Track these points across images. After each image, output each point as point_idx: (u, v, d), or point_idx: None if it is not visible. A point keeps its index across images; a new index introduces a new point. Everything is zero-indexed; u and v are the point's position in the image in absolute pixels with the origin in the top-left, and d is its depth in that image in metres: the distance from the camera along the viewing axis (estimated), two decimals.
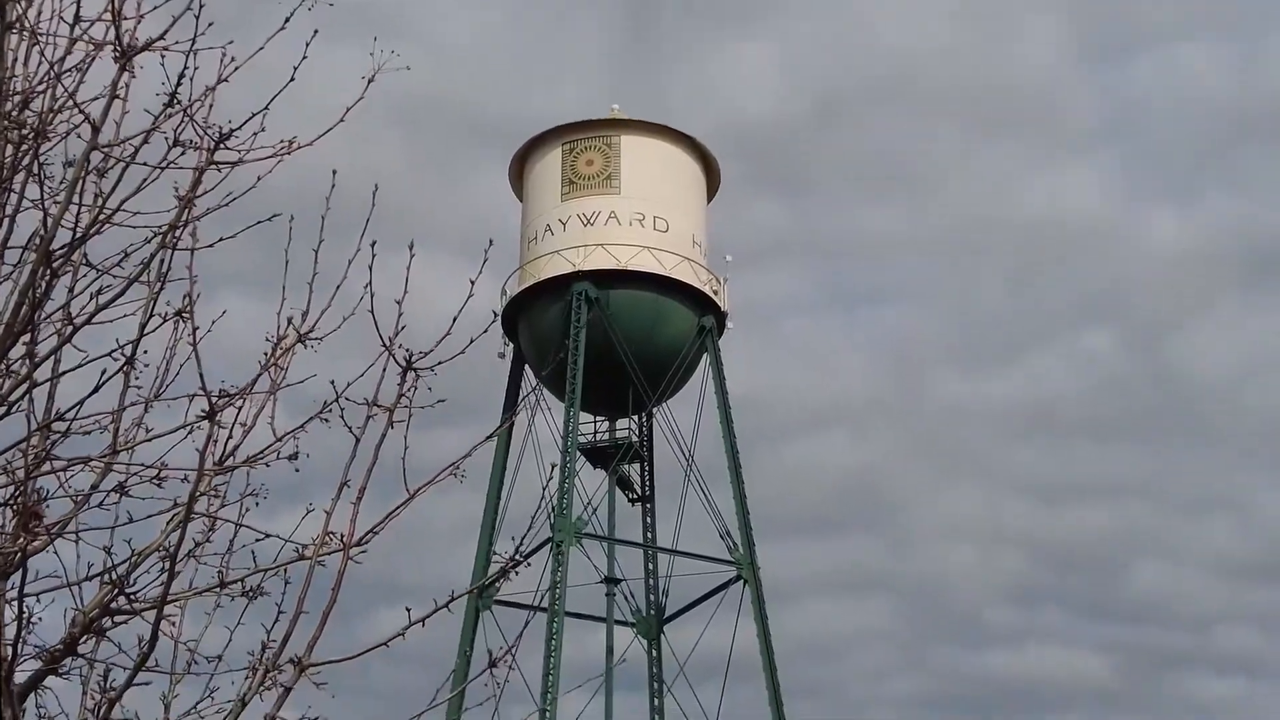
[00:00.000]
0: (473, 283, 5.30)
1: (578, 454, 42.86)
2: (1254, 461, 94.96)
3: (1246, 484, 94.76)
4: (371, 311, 5.11)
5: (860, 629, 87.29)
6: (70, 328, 5.29)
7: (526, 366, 44.47)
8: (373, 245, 5.19)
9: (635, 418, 44.99)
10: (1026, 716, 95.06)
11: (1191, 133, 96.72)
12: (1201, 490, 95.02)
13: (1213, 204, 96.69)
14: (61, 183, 5.34)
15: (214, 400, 4.85)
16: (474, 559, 43.17)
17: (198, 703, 5.75)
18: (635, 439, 44.85)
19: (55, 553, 5.34)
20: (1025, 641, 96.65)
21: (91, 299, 5.45)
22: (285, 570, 5.54)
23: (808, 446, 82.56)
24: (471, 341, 5.25)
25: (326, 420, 5.60)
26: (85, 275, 5.59)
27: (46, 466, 5.26)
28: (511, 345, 44.34)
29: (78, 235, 5.17)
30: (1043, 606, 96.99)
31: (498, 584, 41.95)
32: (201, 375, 4.85)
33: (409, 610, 5.06)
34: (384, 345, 5.14)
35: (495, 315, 5.55)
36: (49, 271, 5.16)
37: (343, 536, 5.11)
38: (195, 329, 4.95)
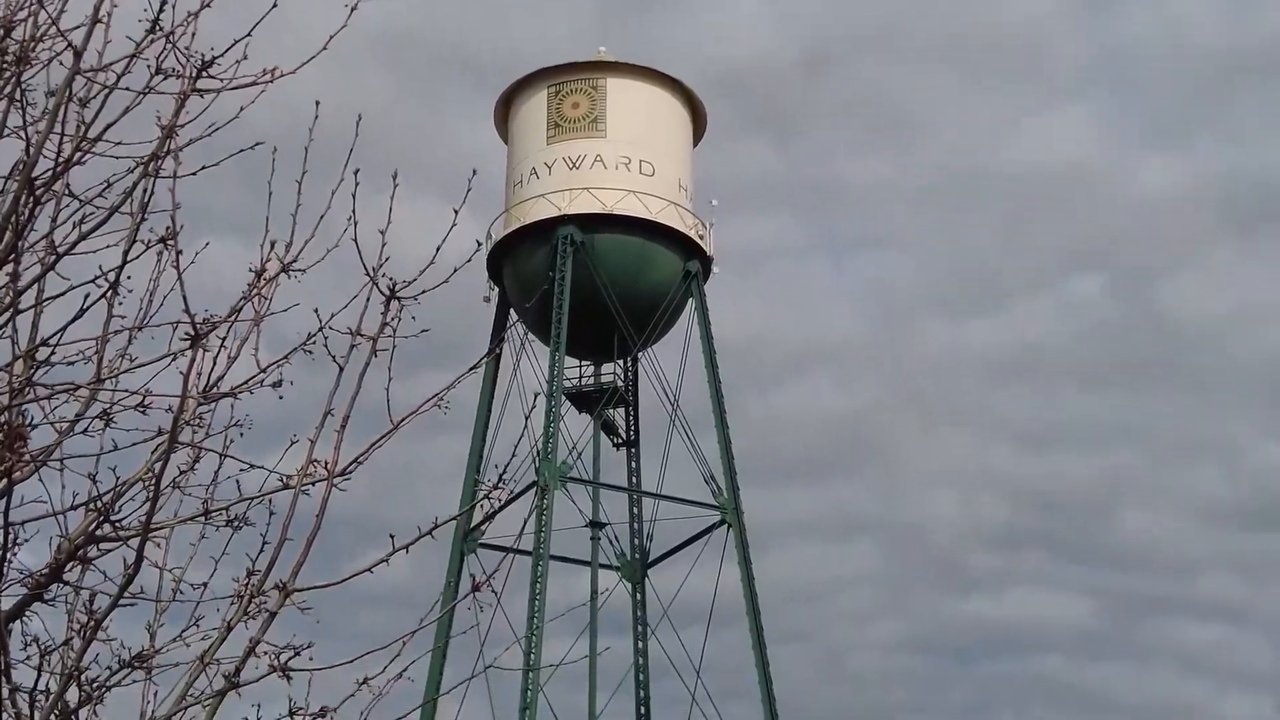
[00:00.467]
0: (456, 212, 5.30)
1: (563, 398, 42.95)
2: (1242, 409, 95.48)
3: (1234, 431, 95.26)
4: (355, 240, 5.12)
5: (844, 574, 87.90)
6: (54, 256, 5.29)
7: (512, 310, 44.46)
8: (355, 174, 5.19)
9: (620, 362, 45.06)
10: (1009, 660, 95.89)
11: (1182, 79, 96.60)
12: (1188, 437, 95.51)
13: (1203, 150, 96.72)
14: (44, 111, 5.33)
15: (198, 324, 4.86)
16: (459, 502, 43.34)
17: (183, 630, 5.80)
18: (620, 383, 44.94)
19: (41, 480, 5.37)
20: (1009, 586, 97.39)
21: (74, 228, 5.45)
22: (270, 501, 5.58)
23: (794, 392, 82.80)
24: (455, 271, 5.27)
25: (310, 352, 5.61)
26: (68, 205, 5.59)
27: (30, 395, 5.27)
28: (497, 289, 44.32)
29: (60, 163, 5.15)
30: (1027, 552, 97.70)
31: (482, 528, 42.17)
32: (185, 299, 4.86)
33: (393, 537, 5.10)
34: (367, 274, 5.15)
35: (478, 244, 5.55)
36: (32, 199, 5.15)
37: (327, 464, 5.13)
38: (179, 252, 4.96)
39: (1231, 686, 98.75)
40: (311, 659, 4.89)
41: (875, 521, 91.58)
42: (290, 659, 4.75)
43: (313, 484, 5.33)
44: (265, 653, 4.80)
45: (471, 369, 5.72)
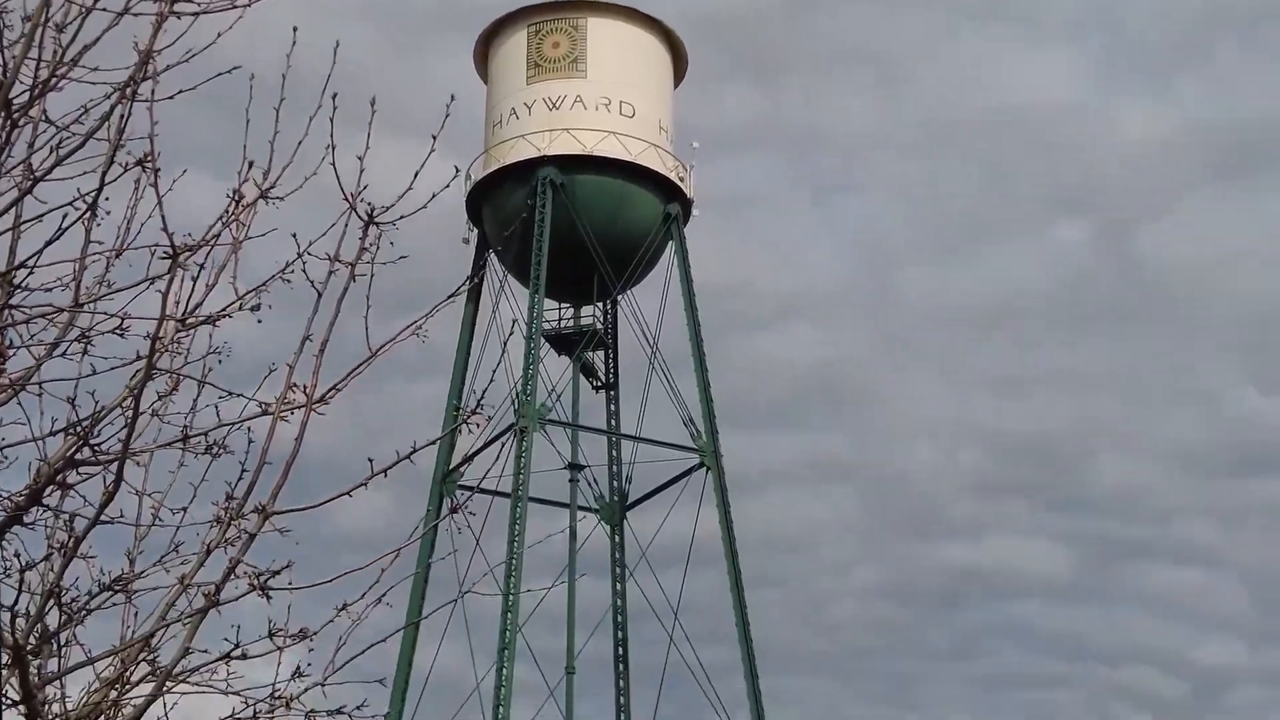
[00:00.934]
0: (434, 137, 5.30)
1: (542, 340, 42.96)
2: (1222, 356, 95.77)
3: (1214, 378, 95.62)
4: (333, 164, 5.12)
5: (823, 520, 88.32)
6: (31, 180, 5.28)
7: (491, 252, 44.37)
8: (334, 98, 5.18)
9: (600, 304, 45.06)
10: (987, 606, 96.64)
11: (1167, 23, 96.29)
12: (1168, 384, 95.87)
13: (1187, 96, 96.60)
14: (21, 35, 5.30)
15: (177, 245, 4.86)
16: (438, 444, 43.37)
17: (163, 556, 5.84)
18: (599, 326, 44.96)
19: (20, 405, 5.38)
20: (987, 533, 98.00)
21: (51, 152, 5.43)
22: (249, 429, 5.60)
23: (774, 337, 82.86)
24: (434, 196, 5.27)
25: (288, 280, 5.62)
26: (45, 131, 5.57)
27: (8, 319, 5.28)
28: (476, 231, 44.19)
29: (37, 85, 5.13)
30: (1005, 499, 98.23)
31: (461, 470, 42.23)
32: (164, 218, 4.86)
33: (371, 461, 5.13)
34: (346, 199, 5.16)
35: (457, 170, 5.55)
36: (9, 123, 5.14)
37: (306, 389, 5.16)
38: (157, 171, 4.94)
39: (1206, 630, 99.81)
40: (290, 581, 4.94)
41: (854, 468, 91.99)
42: (270, 579, 4.79)
43: (292, 410, 5.35)
44: (245, 574, 4.84)
45: (451, 296, 5.73)
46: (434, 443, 5.30)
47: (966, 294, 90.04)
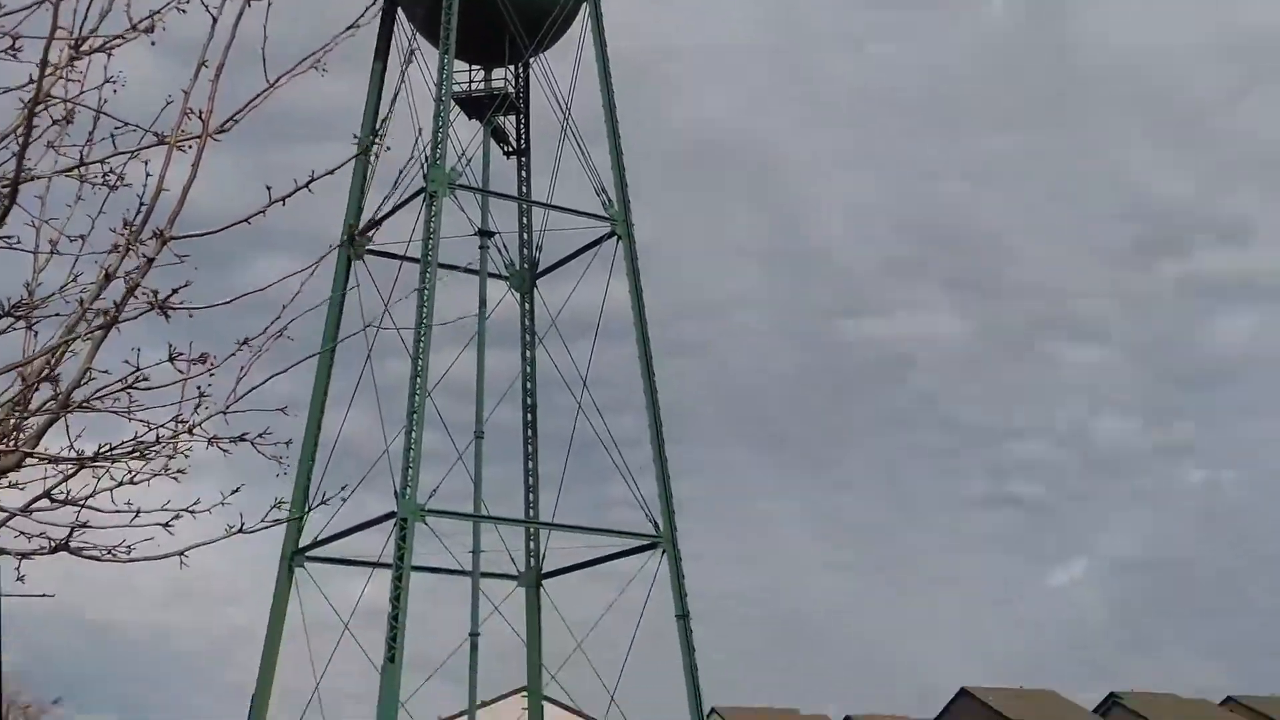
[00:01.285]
0: None
1: (452, 103, 42.31)
2: (1142, 144, 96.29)
3: (1130, 165, 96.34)
4: None
5: (736, 294, 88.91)
6: None
7: (400, 10, 43.31)
8: None
9: (511, 67, 44.35)
10: (894, 381, 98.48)
11: None
12: (1085, 170, 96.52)
13: None
14: None
15: None
16: (346, 206, 42.95)
17: (63, 286, 5.84)
18: (511, 90, 44.32)
19: None
20: (897, 311, 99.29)
21: None
22: (146, 163, 5.56)
23: (690, 108, 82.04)
24: None
25: (184, 10, 5.53)
26: None
27: None
28: None
29: None
30: (917, 280, 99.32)
31: (370, 234, 41.94)
32: None
33: (270, 188, 5.13)
34: None
35: None
36: None
37: (202, 114, 5.12)
38: None
39: (1103, 408, 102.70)
40: (188, 302, 4.97)
41: (770, 241, 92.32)
42: (169, 298, 4.83)
43: (189, 141, 5.33)
44: (143, 294, 4.87)
45: (349, 29, 5.68)
46: (333, 171, 5.30)
47: (891, 73, 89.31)
